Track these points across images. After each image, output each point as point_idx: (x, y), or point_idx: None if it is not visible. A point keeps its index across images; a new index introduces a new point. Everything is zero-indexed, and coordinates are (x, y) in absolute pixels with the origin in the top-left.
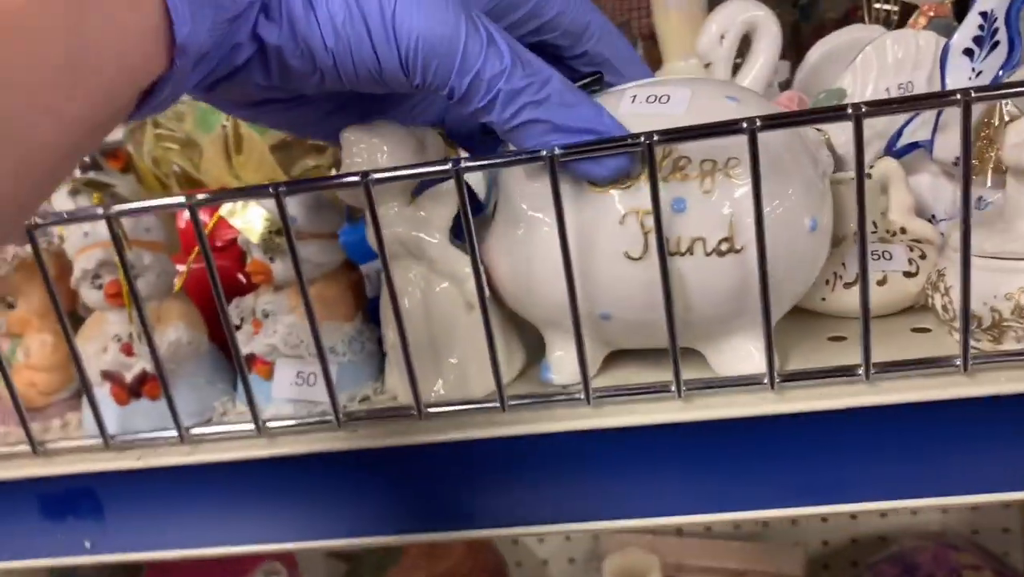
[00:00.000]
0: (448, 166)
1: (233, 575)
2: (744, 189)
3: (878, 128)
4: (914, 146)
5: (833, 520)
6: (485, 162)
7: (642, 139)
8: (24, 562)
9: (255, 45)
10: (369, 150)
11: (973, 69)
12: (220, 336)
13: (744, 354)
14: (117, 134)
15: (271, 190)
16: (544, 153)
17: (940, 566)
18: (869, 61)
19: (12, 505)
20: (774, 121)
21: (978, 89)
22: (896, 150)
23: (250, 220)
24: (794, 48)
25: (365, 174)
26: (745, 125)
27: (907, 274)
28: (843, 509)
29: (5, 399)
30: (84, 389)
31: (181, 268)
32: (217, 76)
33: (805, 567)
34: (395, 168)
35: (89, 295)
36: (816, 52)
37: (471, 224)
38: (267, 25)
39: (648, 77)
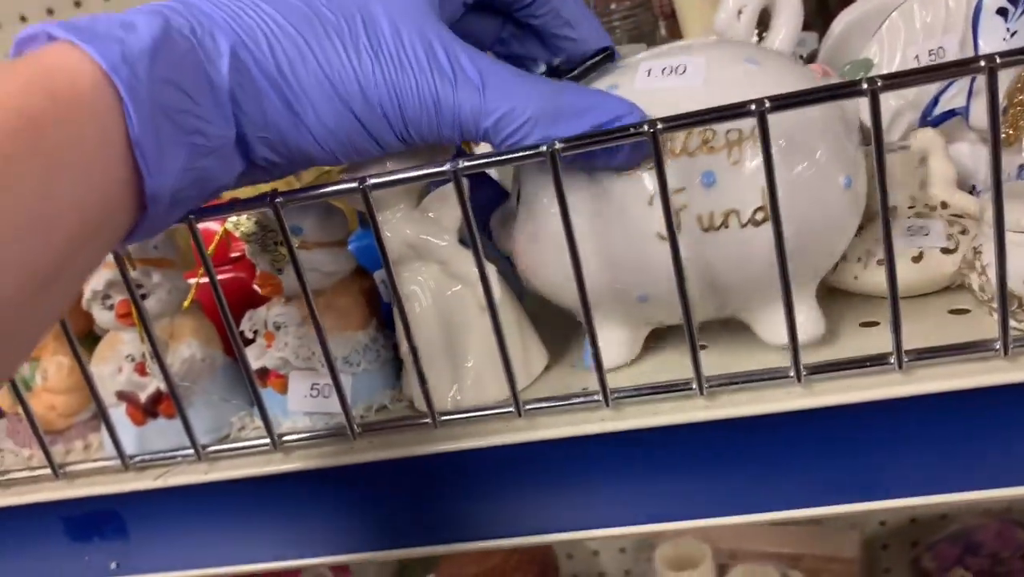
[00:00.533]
0: (447, 168)
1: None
2: (774, 155)
3: (910, 97)
4: (951, 114)
5: None
6: (484, 161)
7: (646, 128)
8: None
9: (246, 162)
10: None
11: (1008, 30)
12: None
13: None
14: None
15: (267, 200)
16: (544, 149)
17: (1004, 544)
18: (896, 28)
19: (38, 528)
20: (784, 101)
21: (1004, 54)
22: (932, 119)
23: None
24: (821, 18)
25: (362, 180)
26: (754, 107)
27: (945, 251)
28: (880, 506)
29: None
30: (99, 410)
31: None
32: (213, 191)
33: (861, 549)
34: (392, 172)
35: (101, 316)
36: (842, 21)
37: (473, 225)
38: (256, 145)
39: (598, 28)
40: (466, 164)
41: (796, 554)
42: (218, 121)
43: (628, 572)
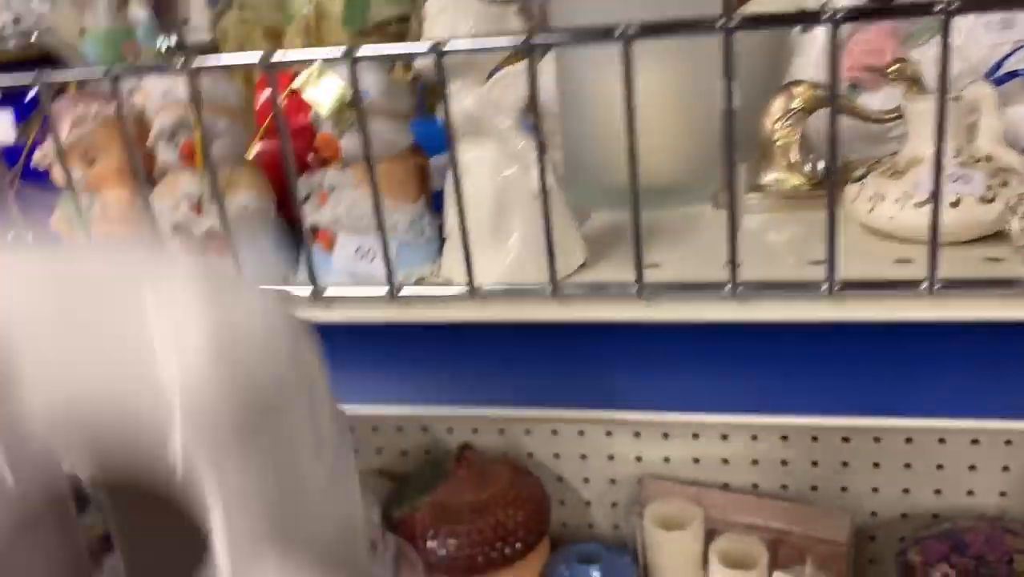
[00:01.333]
0: (520, 41)
1: None
2: None
3: (972, 61)
4: (1013, 75)
5: (885, 491)
6: (559, 39)
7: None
8: None
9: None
10: (451, 21)
11: None
12: (287, 212)
13: None
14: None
15: (343, 55)
16: (617, 34)
17: (992, 548)
18: None
19: None
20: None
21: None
22: (995, 79)
23: (322, 92)
24: None
25: (436, 45)
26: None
27: (983, 200)
28: (894, 424)
29: None
30: (155, 241)
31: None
32: None
33: (850, 534)
34: (466, 39)
35: (165, 153)
36: None
37: (538, 108)
38: None
39: None
40: (540, 42)
41: (785, 530)
42: None
43: (617, 527)
